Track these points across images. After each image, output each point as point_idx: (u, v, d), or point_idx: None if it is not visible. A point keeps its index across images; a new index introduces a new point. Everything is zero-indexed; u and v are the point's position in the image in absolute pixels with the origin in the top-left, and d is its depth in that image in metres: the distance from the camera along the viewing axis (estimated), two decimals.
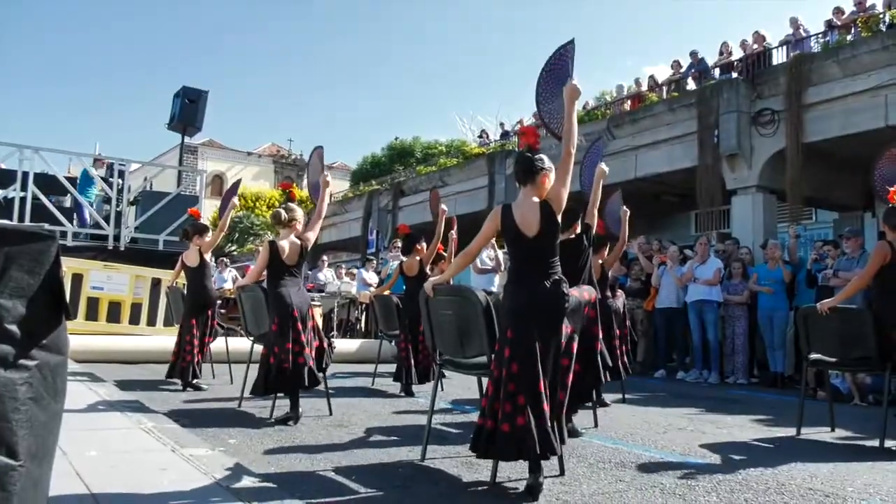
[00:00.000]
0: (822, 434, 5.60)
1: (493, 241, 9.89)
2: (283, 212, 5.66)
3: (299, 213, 5.74)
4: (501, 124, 22.27)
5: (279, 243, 5.56)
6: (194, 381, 7.11)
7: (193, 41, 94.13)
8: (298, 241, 5.59)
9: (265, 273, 5.66)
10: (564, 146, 3.68)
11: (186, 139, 14.74)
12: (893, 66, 10.57)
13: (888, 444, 5.07)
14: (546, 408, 3.42)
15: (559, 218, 3.63)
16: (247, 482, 3.26)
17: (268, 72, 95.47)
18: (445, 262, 7.51)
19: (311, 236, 5.72)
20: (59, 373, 1.98)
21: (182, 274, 7.51)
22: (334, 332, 13.56)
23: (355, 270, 14.47)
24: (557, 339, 3.52)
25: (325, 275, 14.71)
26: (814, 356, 5.58)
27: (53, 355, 1.92)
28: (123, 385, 6.97)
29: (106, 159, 12.33)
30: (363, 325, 13.51)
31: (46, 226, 9.17)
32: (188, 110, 12.93)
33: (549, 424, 3.42)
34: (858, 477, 4.10)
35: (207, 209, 41.12)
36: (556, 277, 3.57)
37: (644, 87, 16.01)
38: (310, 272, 14.59)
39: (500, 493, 3.54)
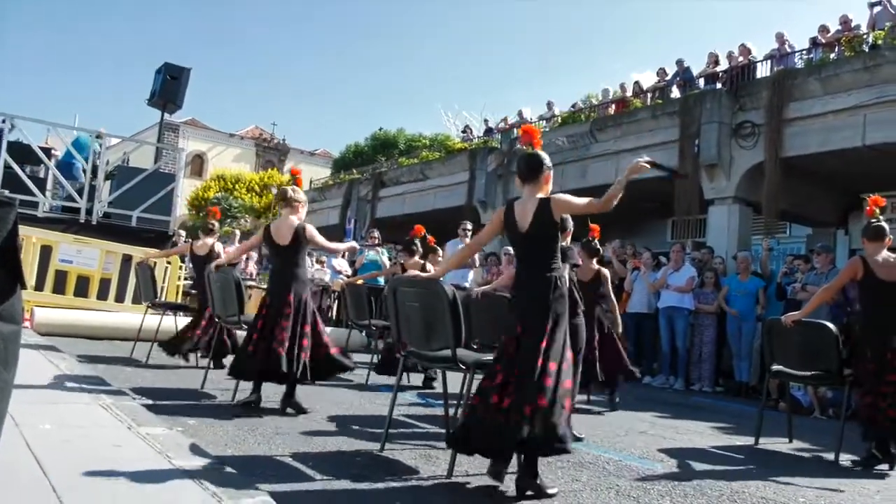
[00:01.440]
0: (779, 445, 5.67)
1: (469, 236, 9.92)
2: (289, 189, 5.62)
3: (303, 198, 5.68)
4: (486, 121, 22.24)
5: (271, 224, 5.54)
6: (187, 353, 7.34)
7: (180, 19, 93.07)
8: (295, 222, 5.45)
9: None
10: (606, 197, 3.62)
11: (168, 117, 14.60)
12: (873, 86, 10.69)
13: (843, 458, 5.14)
14: (543, 403, 3.35)
15: (558, 219, 3.62)
16: (201, 462, 3.23)
17: (255, 55, 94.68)
18: (435, 255, 7.52)
19: (312, 229, 5.57)
20: (11, 342, 1.94)
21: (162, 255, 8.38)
22: None
23: (325, 258, 14.42)
24: (543, 337, 3.46)
25: None
26: (776, 367, 5.65)
27: (6, 324, 1.88)
28: (86, 360, 6.90)
29: (85, 132, 12.15)
30: (335, 313, 13.47)
31: (7, 192, 9.08)
32: (170, 87, 12.79)
33: (549, 421, 3.35)
34: (810, 488, 4.16)
35: (186, 188, 40.72)
36: (549, 275, 3.56)
37: (629, 93, 16.08)
38: None
39: (455, 487, 3.54)
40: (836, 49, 12.02)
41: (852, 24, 12.46)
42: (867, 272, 5.09)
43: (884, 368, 4.93)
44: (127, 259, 10.38)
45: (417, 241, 7.50)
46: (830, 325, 5.43)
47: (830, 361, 5.27)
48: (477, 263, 12.40)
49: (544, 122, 18.38)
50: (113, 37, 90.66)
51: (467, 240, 9.95)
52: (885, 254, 5.10)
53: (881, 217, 5.32)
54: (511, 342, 3.54)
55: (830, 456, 5.17)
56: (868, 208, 5.37)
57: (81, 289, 10.09)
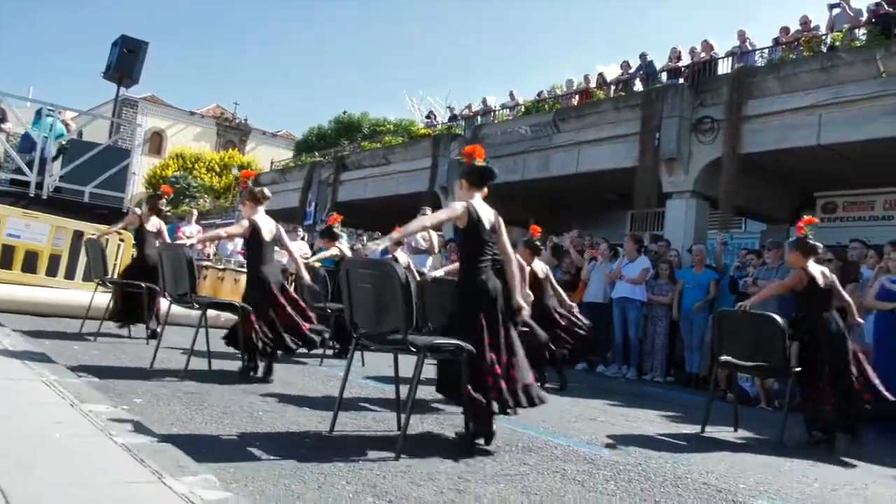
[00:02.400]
0: (725, 433, 5.78)
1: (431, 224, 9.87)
2: (265, 190, 6.31)
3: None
4: (450, 108, 22.19)
5: (259, 223, 6.05)
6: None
7: None
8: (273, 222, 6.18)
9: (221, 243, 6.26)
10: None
11: (126, 92, 14.27)
12: (830, 86, 10.89)
13: (784, 447, 5.28)
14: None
15: None
16: (142, 440, 3.19)
17: (219, 32, 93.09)
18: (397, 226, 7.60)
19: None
20: None
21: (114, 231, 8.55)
22: None
23: None
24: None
25: None
26: (724, 358, 5.75)
27: None
28: (33, 336, 6.73)
29: (38, 105, 11.81)
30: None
31: None
32: (126, 60, 12.47)
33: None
34: (752, 475, 4.24)
35: (145, 165, 39.88)
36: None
37: (593, 84, 16.17)
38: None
39: (403, 469, 3.53)
40: (796, 49, 12.22)
41: (812, 25, 12.69)
42: (811, 281, 5.61)
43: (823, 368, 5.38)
44: (78, 235, 10.11)
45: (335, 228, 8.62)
46: (778, 318, 5.54)
47: (777, 354, 5.39)
48: (436, 249, 12.41)
49: (507, 110, 18.40)
50: (70, 9, 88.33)
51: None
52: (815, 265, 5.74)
53: (811, 234, 5.82)
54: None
55: (773, 444, 5.30)
56: (798, 227, 5.87)
57: (30, 264, 9.81)
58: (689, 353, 9.67)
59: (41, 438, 3.01)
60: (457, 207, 4.15)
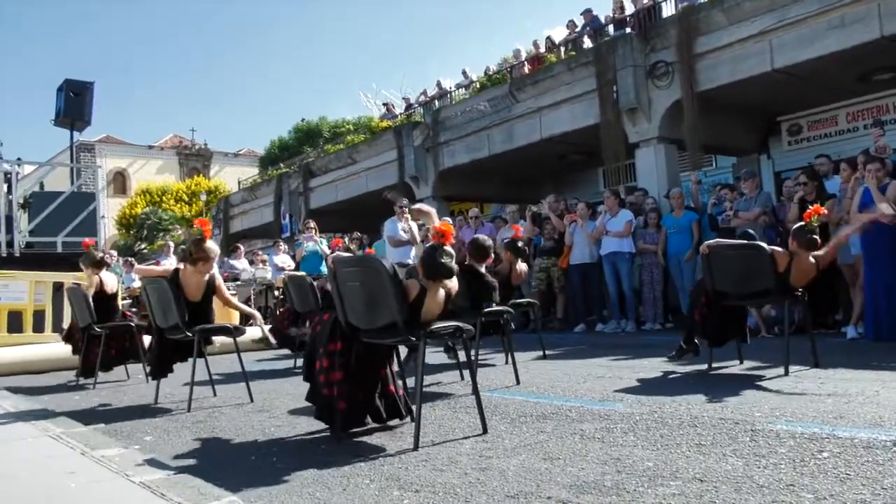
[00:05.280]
0: (731, 368, 5.84)
1: (408, 214, 9.83)
2: (192, 249, 5.72)
3: (213, 252, 5.77)
4: (405, 99, 22.06)
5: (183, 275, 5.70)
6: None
7: (79, 36, 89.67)
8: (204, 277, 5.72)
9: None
10: None
11: (79, 136, 14.08)
12: (775, 10, 10.94)
13: (792, 370, 5.33)
14: None
15: None
16: (160, 475, 3.16)
17: (162, 61, 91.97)
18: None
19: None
20: None
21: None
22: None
23: (266, 255, 14.22)
24: None
25: (240, 263, 14.40)
26: (718, 292, 5.78)
27: None
28: (31, 393, 6.67)
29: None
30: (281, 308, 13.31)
31: None
32: (74, 104, 12.30)
33: None
34: (765, 403, 4.29)
35: (112, 208, 39.44)
36: None
37: (542, 49, 16.14)
38: (226, 259, 14.25)
39: (424, 458, 3.53)
40: None
41: None
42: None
43: None
44: (58, 287, 10.00)
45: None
46: (764, 245, 5.58)
47: (768, 280, 5.43)
48: (418, 239, 12.38)
49: (463, 89, 18.35)
50: (9, 59, 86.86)
51: (407, 216, 9.87)
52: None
53: (816, 225, 5.43)
54: None
55: (780, 371, 5.35)
56: (806, 214, 5.50)
57: (15, 324, 9.69)
58: (683, 295, 9.74)
59: (57, 490, 2.98)
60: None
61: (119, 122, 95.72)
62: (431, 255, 3.82)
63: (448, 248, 3.84)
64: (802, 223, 5.48)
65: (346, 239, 13.51)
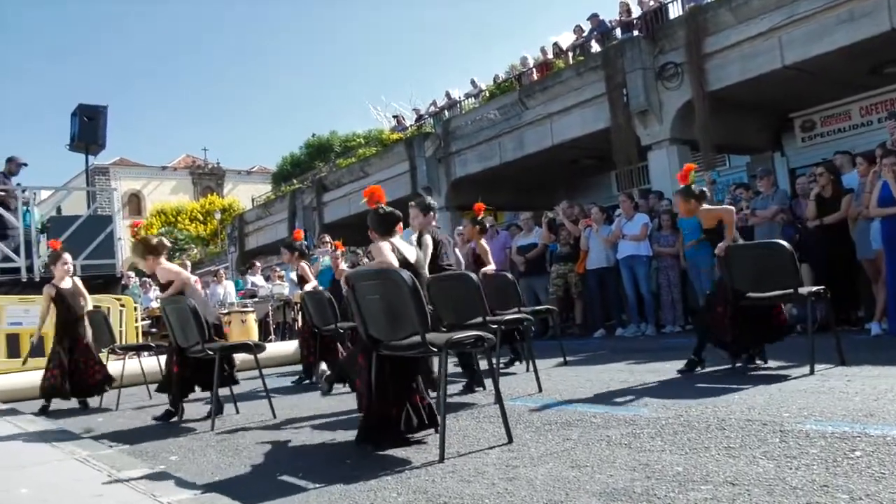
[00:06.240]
0: (755, 368, 5.77)
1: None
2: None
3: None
4: (416, 110, 22.13)
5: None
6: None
7: (90, 59, 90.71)
8: None
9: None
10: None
11: (93, 159, 14.19)
12: (784, 6, 10.91)
13: (818, 368, 5.27)
14: None
15: None
16: (188, 494, 3.16)
17: (172, 83, 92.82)
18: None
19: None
20: None
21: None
22: (272, 336, 13.36)
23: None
24: None
25: (257, 279, 14.49)
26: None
27: None
28: (55, 417, 6.71)
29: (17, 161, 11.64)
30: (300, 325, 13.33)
31: None
32: (88, 128, 12.40)
33: None
34: (793, 402, 4.24)
35: (128, 229, 39.91)
36: None
37: (550, 55, 16.16)
38: (243, 276, 14.33)
39: (451, 469, 3.51)
40: None
41: None
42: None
43: None
44: None
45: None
46: (784, 243, 5.53)
47: (789, 278, 5.38)
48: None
49: (472, 98, 18.38)
50: (22, 88, 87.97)
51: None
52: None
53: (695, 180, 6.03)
54: None
55: (805, 370, 5.29)
56: (681, 175, 6.06)
57: (36, 349, 9.75)
58: (701, 297, 9.65)
59: None
60: (384, 252, 4.26)
61: (132, 144, 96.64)
62: (374, 214, 4.50)
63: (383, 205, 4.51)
64: (682, 186, 5.95)
65: (360, 252, 13.55)
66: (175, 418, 5.86)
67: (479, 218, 7.32)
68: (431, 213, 6.20)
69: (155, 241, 6.25)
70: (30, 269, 10.81)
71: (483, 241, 7.27)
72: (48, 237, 11.60)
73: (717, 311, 5.72)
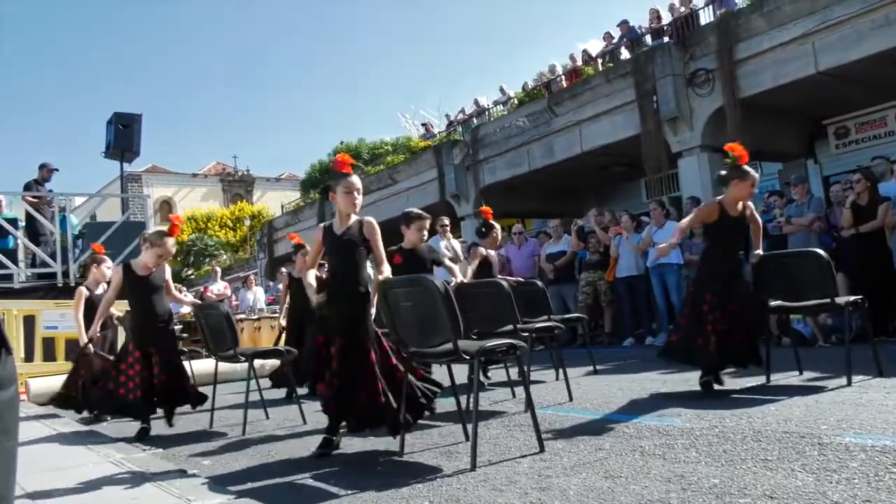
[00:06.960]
0: (790, 378, 5.69)
1: (448, 231, 9.83)
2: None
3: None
4: (447, 115, 22.21)
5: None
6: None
7: (123, 69, 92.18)
8: None
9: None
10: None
11: (127, 167, 14.40)
12: (816, 12, 10.76)
13: (855, 380, 5.17)
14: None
15: None
16: (221, 499, 3.18)
17: (204, 91, 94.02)
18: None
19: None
20: (6, 409, 1.88)
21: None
22: None
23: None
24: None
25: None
26: (774, 303, 5.65)
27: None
28: (88, 420, 6.80)
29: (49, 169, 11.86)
30: None
31: None
32: (123, 136, 12.59)
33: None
34: (830, 415, 4.16)
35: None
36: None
37: (579, 62, 16.11)
38: (271, 283, 14.42)
39: (482, 478, 3.50)
40: None
41: None
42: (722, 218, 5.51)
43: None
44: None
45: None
46: (822, 252, 5.45)
47: (827, 288, 5.29)
48: (461, 256, 12.37)
49: (501, 106, 18.38)
50: (59, 96, 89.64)
51: (449, 235, 9.86)
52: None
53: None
54: None
55: (843, 381, 5.19)
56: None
57: (72, 352, 9.92)
58: None
59: None
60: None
61: (164, 151, 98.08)
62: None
63: None
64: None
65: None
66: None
67: (487, 223, 7.16)
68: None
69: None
70: (66, 274, 10.99)
71: (491, 251, 7.21)
72: (84, 244, 11.81)
73: (703, 310, 5.27)
